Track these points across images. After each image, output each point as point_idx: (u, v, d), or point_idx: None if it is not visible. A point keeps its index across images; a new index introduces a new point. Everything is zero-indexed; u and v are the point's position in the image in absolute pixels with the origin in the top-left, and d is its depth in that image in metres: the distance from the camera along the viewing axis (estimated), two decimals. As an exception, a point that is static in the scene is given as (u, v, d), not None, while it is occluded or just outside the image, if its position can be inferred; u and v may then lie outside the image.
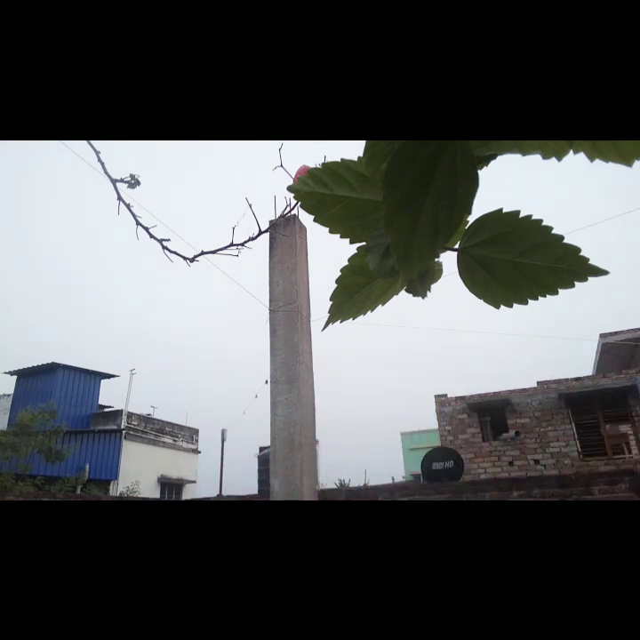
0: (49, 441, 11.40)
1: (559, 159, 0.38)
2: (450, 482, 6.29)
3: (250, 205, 1.71)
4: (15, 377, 17.06)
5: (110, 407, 17.94)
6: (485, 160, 0.44)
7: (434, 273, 0.51)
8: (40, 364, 16.63)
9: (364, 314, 0.57)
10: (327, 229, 0.52)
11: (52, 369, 16.51)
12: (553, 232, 0.45)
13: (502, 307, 0.48)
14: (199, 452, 19.48)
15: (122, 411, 16.90)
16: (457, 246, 0.47)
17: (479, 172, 0.39)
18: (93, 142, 1.64)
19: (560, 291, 0.46)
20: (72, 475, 13.10)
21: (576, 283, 0.45)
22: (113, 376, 18.29)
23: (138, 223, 1.74)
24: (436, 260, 0.51)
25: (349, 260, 0.55)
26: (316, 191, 0.51)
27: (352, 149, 0.50)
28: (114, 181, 1.71)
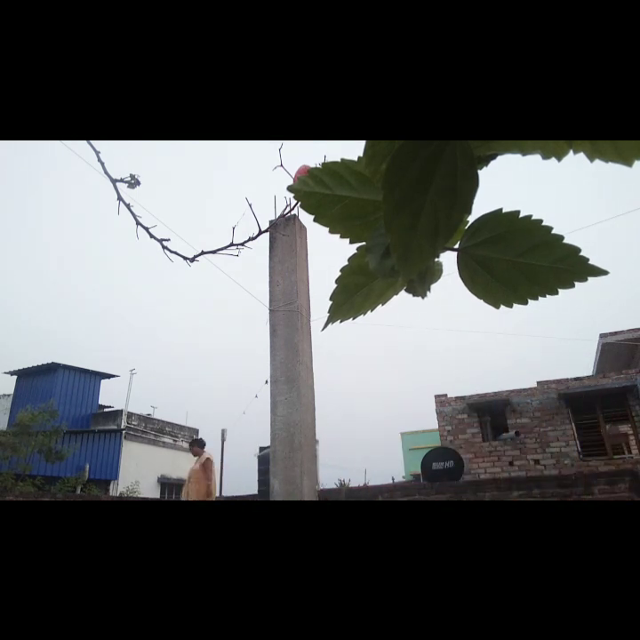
0: (49, 441, 11.39)
1: (559, 159, 0.38)
2: (450, 482, 6.29)
3: (250, 205, 1.71)
4: (15, 377, 17.05)
5: (110, 407, 17.94)
6: (485, 160, 0.44)
7: (434, 273, 0.51)
8: (40, 363, 16.63)
9: (364, 314, 0.57)
10: (327, 229, 0.52)
11: (51, 369, 16.51)
12: (553, 232, 0.45)
13: (502, 307, 0.48)
14: (199, 452, 19.44)
15: (122, 411, 16.89)
16: (457, 246, 0.47)
17: (479, 171, 0.39)
18: (93, 142, 1.64)
19: (560, 291, 0.46)
20: (72, 475, 13.09)
21: (576, 283, 0.45)
22: (113, 376, 18.29)
23: (138, 223, 1.74)
24: (436, 259, 0.51)
25: (349, 260, 0.55)
26: (315, 191, 0.51)
27: (352, 149, 0.50)
28: (114, 181, 1.71)
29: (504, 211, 0.46)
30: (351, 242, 0.53)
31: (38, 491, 9.46)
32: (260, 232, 1.74)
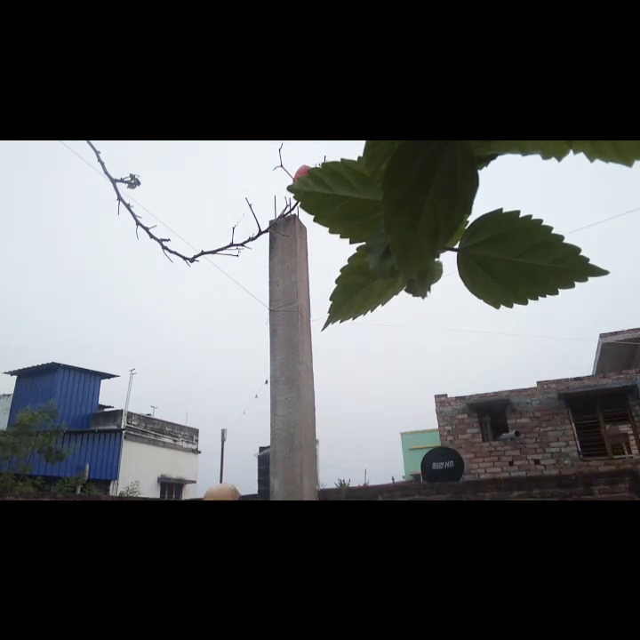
0: (49, 441, 11.39)
1: (559, 159, 0.38)
2: (450, 482, 6.28)
3: (250, 205, 1.71)
4: (15, 377, 17.05)
5: (110, 407, 17.95)
6: (485, 160, 0.44)
7: (434, 273, 0.51)
8: (40, 363, 16.63)
9: (364, 314, 0.57)
10: (327, 229, 0.52)
11: (51, 369, 16.51)
12: (553, 232, 0.45)
13: (502, 307, 0.48)
14: (199, 452, 19.48)
15: (122, 411, 16.90)
16: (457, 246, 0.47)
17: (479, 171, 0.39)
18: (93, 142, 1.64)
19: (560, 291, 0.46)
20: (72, 475, 13.09)
21: (576, 283, 0.45)
22: (113, 376, 18.30)
23: (138, 223, 1.74)
24: (436, 259, 0.51)
25: (349, 260, 0.55)
26: (315, 191, 0.51)
27: (352, 149, 0.50)
28: (114, 181, 1.71)
29: (504, 211, 0.46)
30: (351, 242, 0.53)
31: (38, 491, 9.46)
32: (260, 232, 1.74)
